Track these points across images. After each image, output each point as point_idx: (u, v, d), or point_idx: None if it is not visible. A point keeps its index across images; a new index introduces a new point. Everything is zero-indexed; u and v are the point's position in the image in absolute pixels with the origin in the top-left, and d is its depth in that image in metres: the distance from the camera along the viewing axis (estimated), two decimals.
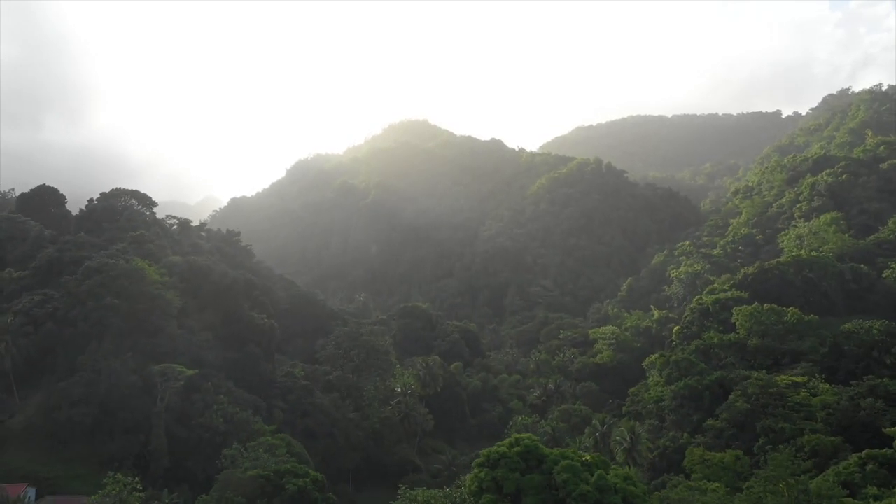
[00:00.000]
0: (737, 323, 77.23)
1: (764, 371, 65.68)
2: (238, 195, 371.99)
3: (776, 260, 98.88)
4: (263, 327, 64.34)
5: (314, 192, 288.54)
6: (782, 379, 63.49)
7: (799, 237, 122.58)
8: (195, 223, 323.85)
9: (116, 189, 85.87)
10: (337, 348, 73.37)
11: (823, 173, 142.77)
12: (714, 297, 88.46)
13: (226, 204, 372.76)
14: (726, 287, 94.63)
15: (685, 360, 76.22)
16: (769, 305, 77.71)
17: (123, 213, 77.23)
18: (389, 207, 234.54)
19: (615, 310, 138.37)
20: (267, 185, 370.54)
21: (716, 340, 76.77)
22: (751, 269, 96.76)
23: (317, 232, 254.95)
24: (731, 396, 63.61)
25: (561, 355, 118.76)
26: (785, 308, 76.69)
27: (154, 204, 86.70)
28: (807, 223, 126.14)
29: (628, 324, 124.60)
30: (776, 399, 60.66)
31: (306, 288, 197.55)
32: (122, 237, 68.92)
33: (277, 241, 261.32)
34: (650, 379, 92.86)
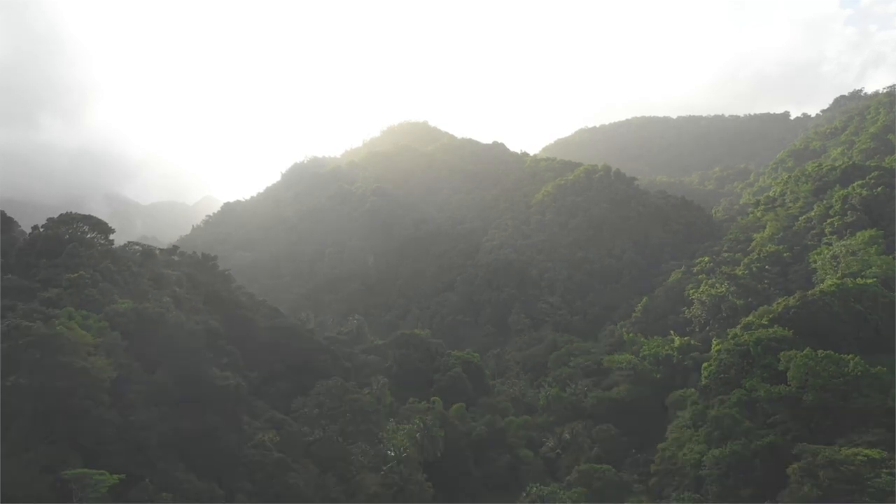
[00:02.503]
0: (788, 373, 66.10)
1: (833, 447, 54.55)
2: (234, 198, 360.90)
3: (819, 289, 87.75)
4: (227, 388, 53.58)
5: (309, 198, 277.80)
6: (853, 453, 52.49)
7: (834, 257, 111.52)
8: (193, 225, 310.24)
9: (66, 214, 74.67)
10: (318, 407, 62.56)
11: (855, 184, 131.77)
12: (754, 335, 77.29)
13: (219, 208, 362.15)
14: (765, 321, 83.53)
15: (728, 416, 65.31)
16: (824, 352, 66.60)
17: (68, 244, 66.12)
18: (387, 216, 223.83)
19: (630, 334, 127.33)
20: (262, 189, 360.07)
21: (762, 393, 65.68)
22: (792, 301, 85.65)
23: (312, 240, 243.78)
24: (793, 475, 52.79)
25: (573, 387, 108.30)
26: (845, 356, 65.55)
27: (110, 231, 75.64)
28: (842, 241, 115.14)
29: (646, 351, 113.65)
30: (851, 483, 49.80)
31: (298, 303, 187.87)
32: (58, 279, 58.01)
33: (271, 250, 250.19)
34: (677, 423, 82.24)
